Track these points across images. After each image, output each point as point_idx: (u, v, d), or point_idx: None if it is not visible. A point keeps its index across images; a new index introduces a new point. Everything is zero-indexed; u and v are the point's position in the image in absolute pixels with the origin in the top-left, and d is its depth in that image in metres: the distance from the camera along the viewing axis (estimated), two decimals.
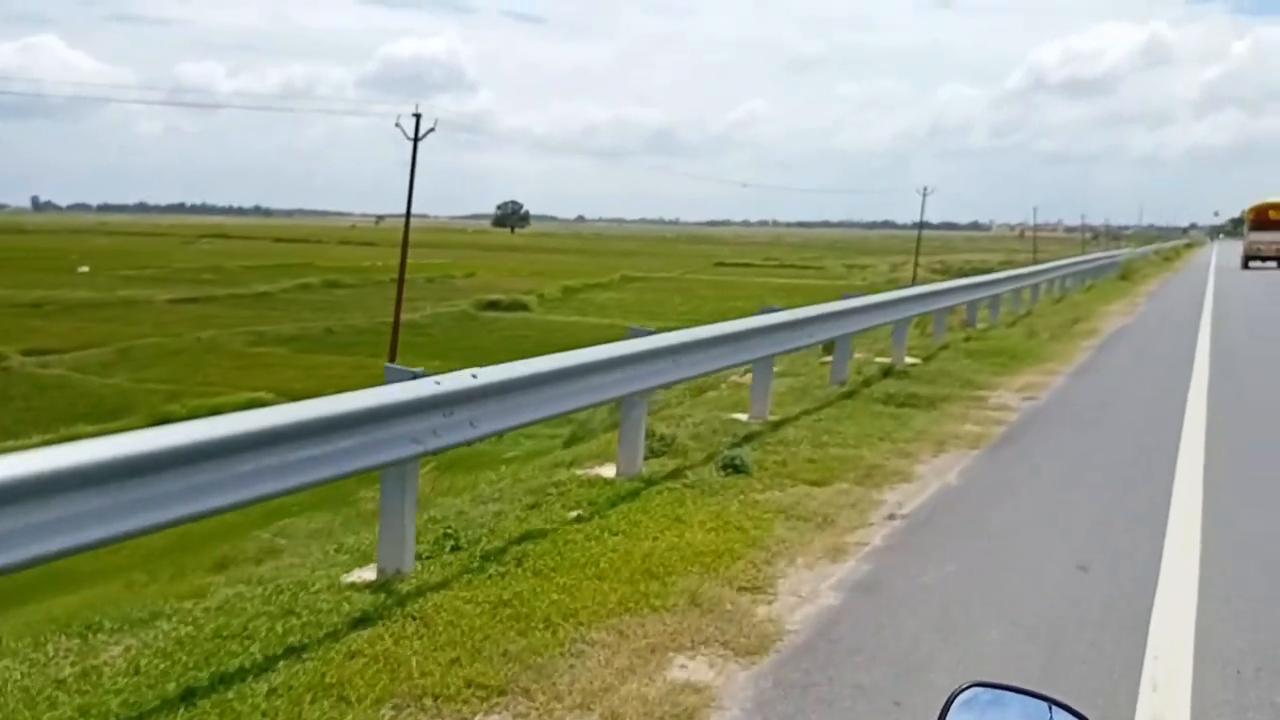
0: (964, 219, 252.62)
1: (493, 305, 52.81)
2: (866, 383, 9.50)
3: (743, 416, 7.51)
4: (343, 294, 56.75)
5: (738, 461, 5.84)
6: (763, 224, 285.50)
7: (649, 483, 5.47)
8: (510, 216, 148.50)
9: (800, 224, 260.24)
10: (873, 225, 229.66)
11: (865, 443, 6.79)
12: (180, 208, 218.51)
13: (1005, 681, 1.12)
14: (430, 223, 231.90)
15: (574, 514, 4.85)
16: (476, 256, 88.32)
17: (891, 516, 5.16)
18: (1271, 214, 40.98)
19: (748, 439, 6.71)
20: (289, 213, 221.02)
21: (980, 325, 14.95)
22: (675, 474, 5.70)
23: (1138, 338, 14.53)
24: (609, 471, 5.71)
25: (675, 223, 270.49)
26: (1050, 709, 1.07)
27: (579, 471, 5.79)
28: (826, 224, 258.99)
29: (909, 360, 11.12)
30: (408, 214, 32.07)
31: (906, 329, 11.62)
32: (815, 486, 5.63)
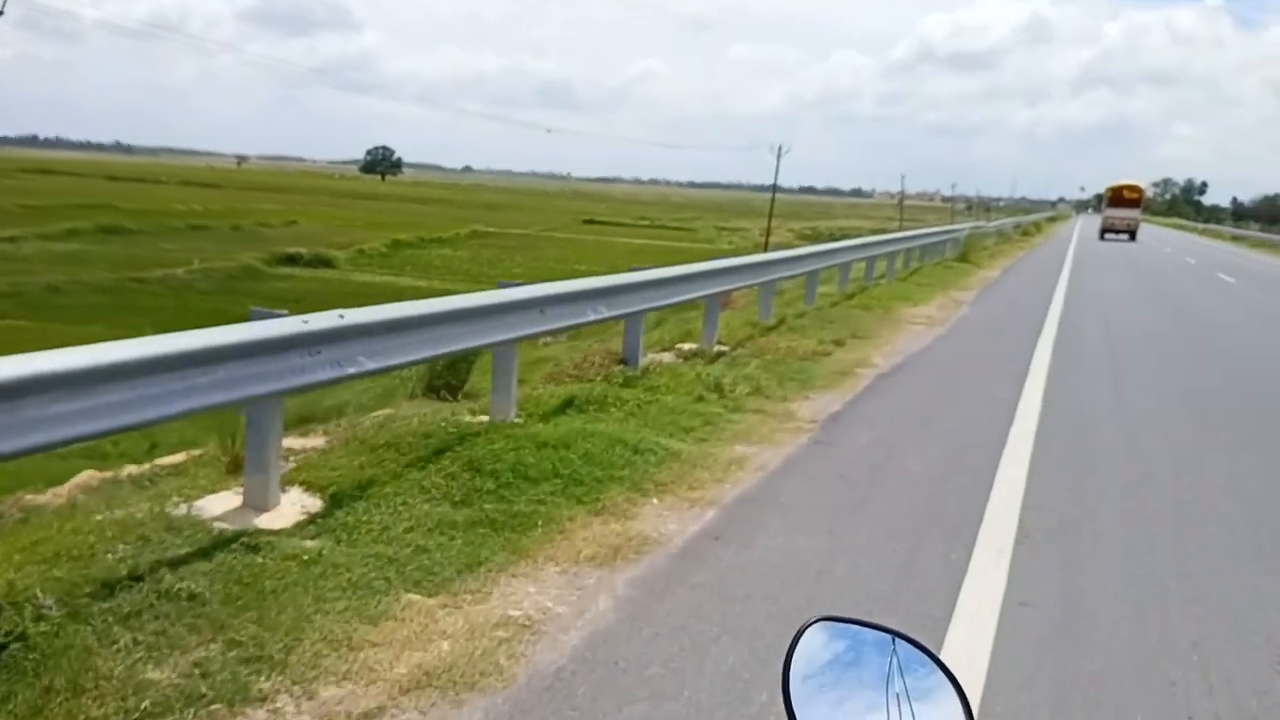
0: (847, 185, 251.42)
1: (290, 260, 46.32)
2: None
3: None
4: (114, 243, 48.35)
5: None
6: (654, 182, 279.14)
7: None
8: (380, 163, 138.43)
9: (691, 184, 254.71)
10: (760, 188, 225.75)
11: None
12: (33, 140, 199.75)
13: (852, 615, 1.07)
14: (303, 166, 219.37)
15: None
16: (320, 203, 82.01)
17: None
18: (1125, 194, 48.47)
19: None
20: (153, 151, 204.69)
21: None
22: None
23: (916, 394, 8.60)
24: None
25: (567, 177, 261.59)
26: (894, 641, 1.05)
27: None
28: (717, 185, 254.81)
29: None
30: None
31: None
32: None
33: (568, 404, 5.99)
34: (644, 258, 29.39)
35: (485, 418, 5.59)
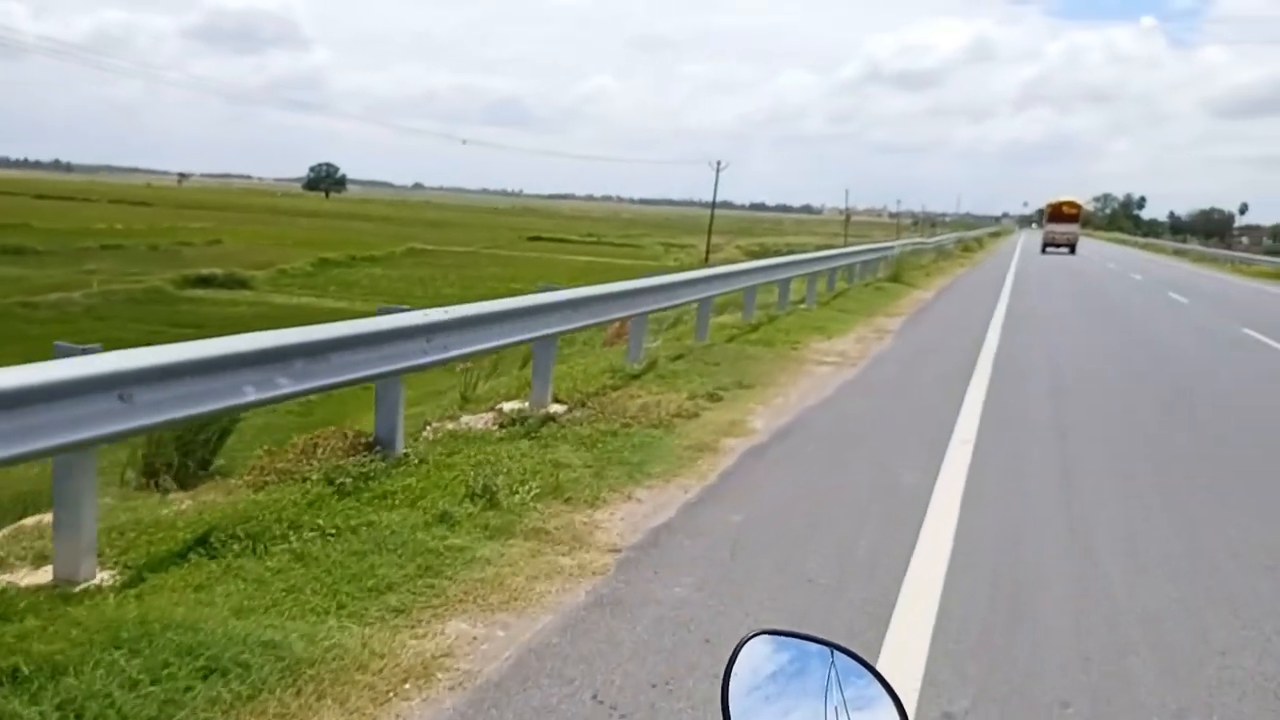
0: (798, 202, 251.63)
1: (203, 281, 43.74)
2: None
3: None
4: (17, 264, 45.37)
5: None
6: (606, 199, 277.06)
7: None
8: (324, 180, 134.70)
9: (644, 201, 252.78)
10: (710, 205, 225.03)
11: None
12: None
13: (792, 629, 1.08)
14: (249, 184, 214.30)
15: None
16: (253, 221, 79.49)
17: None
18: (1065, 209, 50.71)
19: None
20: (93, 169, 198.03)
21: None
22: None
23: (792, 484, 6.42)
24: None
25: (518, 194, 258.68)
26: (833, 654, 1.05)
27: None
28: (669, 201, 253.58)
29: None
30: None
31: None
32: None
33: (200, 541, 3.68)
34: (583, 275, 27.15)
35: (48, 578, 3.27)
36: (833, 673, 1.03)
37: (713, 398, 7.34)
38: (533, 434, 5.88)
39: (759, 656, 1.05)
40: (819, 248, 33.79)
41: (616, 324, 14.55)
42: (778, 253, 37.09)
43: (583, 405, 6.88)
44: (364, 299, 36.84)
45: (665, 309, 9.85)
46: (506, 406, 6.77)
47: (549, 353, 6.95)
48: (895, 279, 19.49)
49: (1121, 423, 7.42)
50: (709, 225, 48.62)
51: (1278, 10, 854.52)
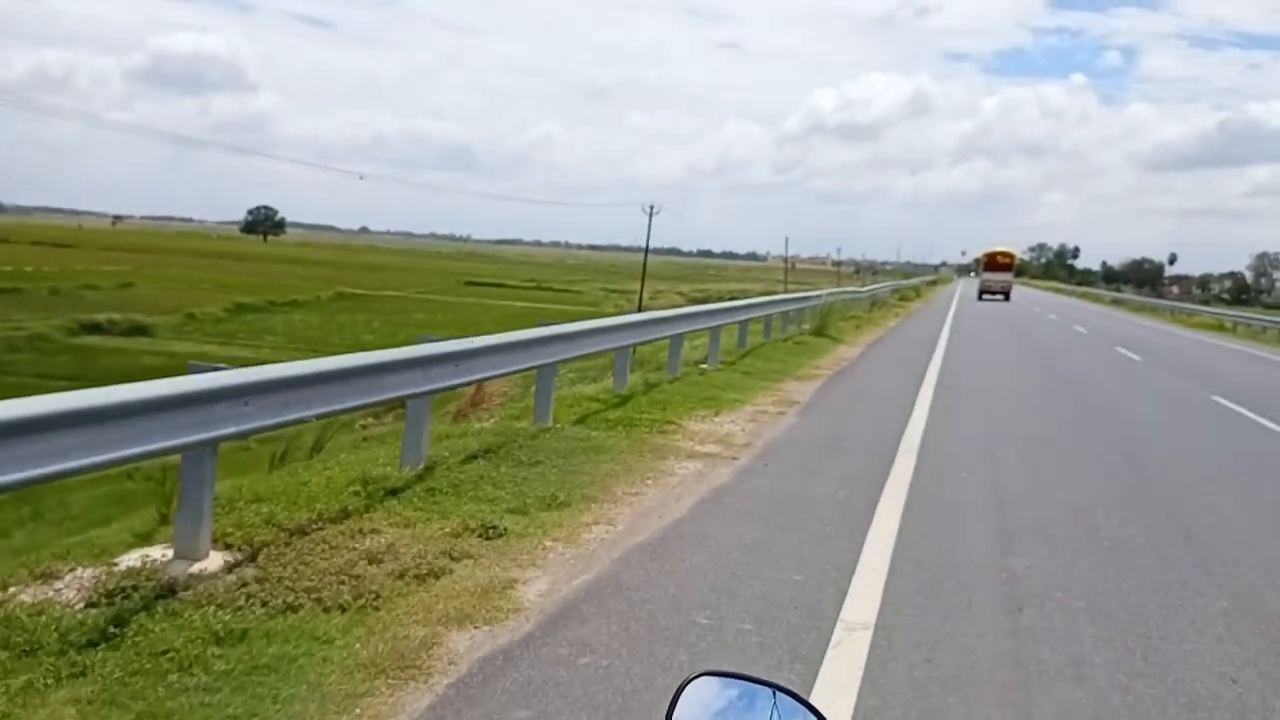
0: (743, 249, 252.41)
1: (96, 328, 40.82)
2: None
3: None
4: None
5: None
6: (555, 244, 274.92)
7: None
8: (262, 223, 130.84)
9: (591, 246, 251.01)
10: (657, 251, 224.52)
11: None
12: None
13: (734, 670, 1.08)
14: (190, 227, 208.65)
15: None
16: (178, 264, 76.42)
17: None
18: (999, 259, 53.52)
19: None
20: (27, 210, 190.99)
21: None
22: None
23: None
24: None
25: (466, 239, 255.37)
26: (774, 694, 1.05)
27: None
28: (617, 247, 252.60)
29: None
30: None
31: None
32: None
33: None
34: (510, 321, 25.61)
35: None
36: (775, 714, 1.03)
37: (489, 533, 4.72)
38: (82, 643, 3.20)
39: (701, 699, 1.03)
40: (763, 294, 31.70)
41: (473, 389, 11.94)
42: (720, 299, 34.77)
43: (265, 551, 4.22)
44: (272, 348, 34.02)
45: (482, 380, 7.26)
46: (138, 557, 4.11)
47: (201, 466, 4.23)
48: (820, 332, 17.12)
49: (1101, 583, 4.63)
50: (643, 270, 46.34)
51: (1198, 71, 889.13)
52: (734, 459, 6.87)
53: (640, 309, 43.16)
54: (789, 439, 7.81)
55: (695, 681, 1.05)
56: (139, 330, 40.43)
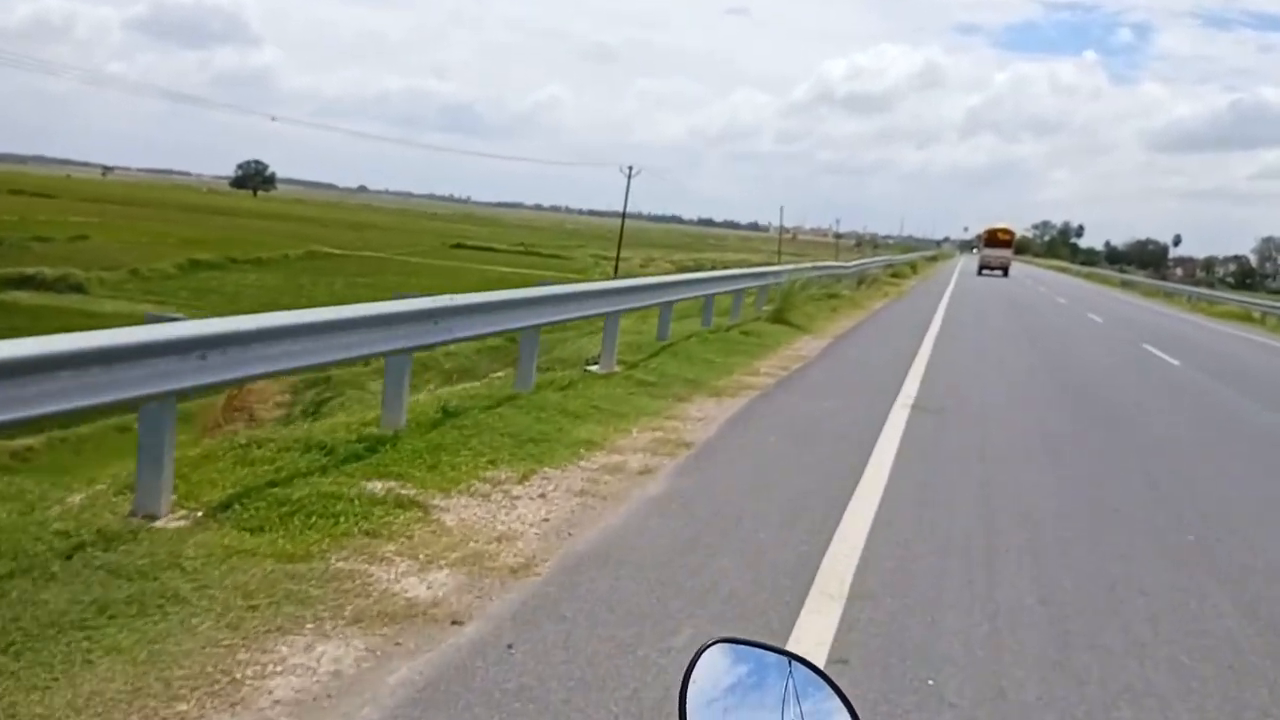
0: (745, 219, 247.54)
1: (26, 281, 38.14)
2: None
3: None
4: None
5: None
6: (555, 209, 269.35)
7: None
8: (253, 178, 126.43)
9: (591, 211, 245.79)
10: (658, 218, 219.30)
11: None
12: None
13: (749, 637, 1.04)
14: (184, 180, 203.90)
15: None
16: (153, 217, 73.57)
17: None
18: (999, 235, 53.73)
19: None
20: (22, 159, 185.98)
21: None
22: None
23: None
24: None
25: (467, 201, 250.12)
26: (790, 663, 1.02)
27: None
28: (616, 214, 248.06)
29: None
30: None
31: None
32: None
33: None
34: (491, 284, 22.19)
35: None
36: (790, 684, 1.01)
37: None
38: None
39: (717, 666, 1.02)
40: (760, 263, 28.10)
41: (223, 401, 8.31)
42: (714, 268, 30.94)
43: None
44: (213, 309, 30.55)
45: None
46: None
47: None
48: (780, 317, 13.38)
49: None
50: (619, 236, 42.68)
51: (1211, 50, 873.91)
52: (456, 623, 3.22)
53: (616, 275, 39.54)
54: (622, 549, 4.12)
55: (710, 649, 1.01)
56: (74, 287, 37.22)
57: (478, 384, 7.86)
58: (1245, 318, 29.59)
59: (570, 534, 4.23)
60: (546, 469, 5.21)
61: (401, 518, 4.16)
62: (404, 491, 4.50)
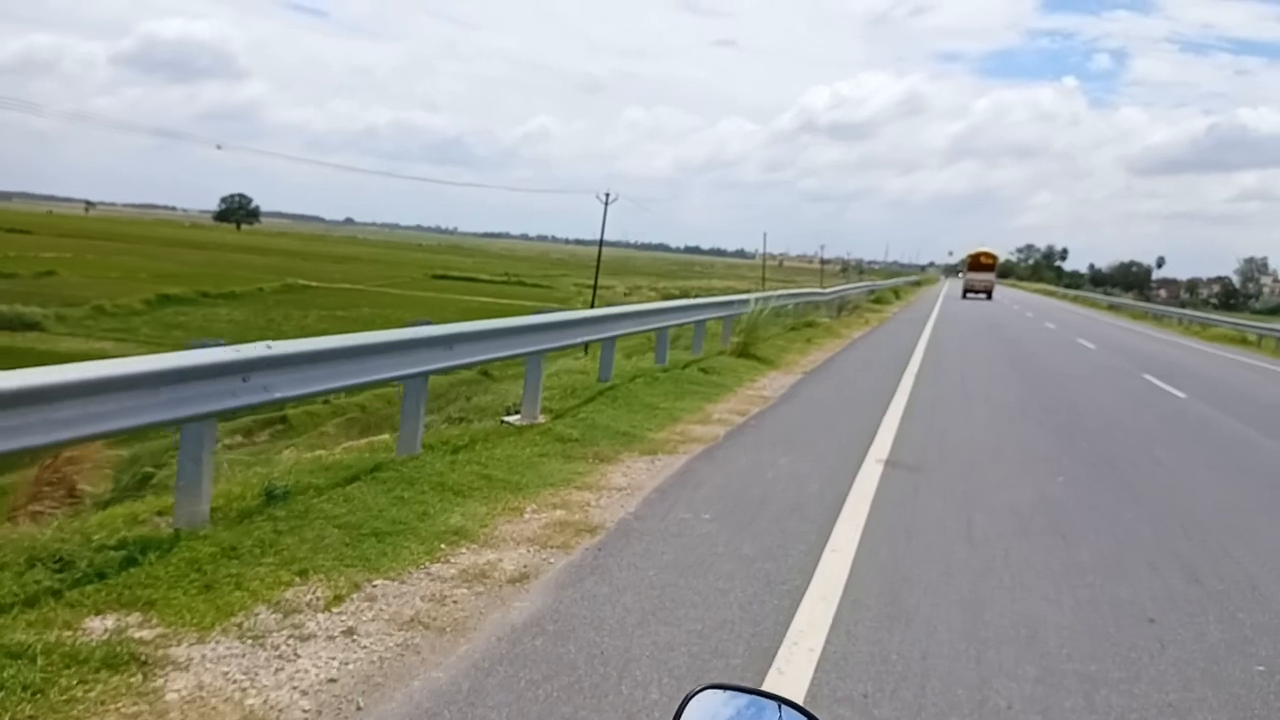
0: (731, 246, 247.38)
1: None
2: None
3: None
4: None
5: None
6: (540, 238, 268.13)
7: None
8: (235, 211, 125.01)
9: (578, 241, 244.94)
10: (645, 247, 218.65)
11: None
12: None
13: (738, 683, 1.03)
14: (168, 215, 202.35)
15: None
16: (128, 252, 72.80)
17: None
18: (983, 259, 55.07)
19: None
20: (7, 196, 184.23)
21: None
22: None
23: None
24: None
25: (453, 231, 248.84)
26: (780, 708, 1.01)
27: None
28: (604, 243, 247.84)
29: None
30: None
31: None
32: None
33: None
34: (462, 315, 22.56)
35: None
36: None
37: None
38: None
39: (706, 712, 1.00)
40: (746, 289, 26.91)
41: (34, 473, 6.86)
42: (684, 295, 29.74)
43: None
44: (172, 346, 29.24)
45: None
46: None
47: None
48: (744, 352, 12.00)
49: None
50: (597, 263, 41.41)
51: (1188, 75, 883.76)
52: None
53: (593, 305, 38.17)
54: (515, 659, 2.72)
55: (700, 695, 1.00)
56: (29, 325, 35.85)
57: (359, 444, 6.44)
58: (1240, 340, 28.37)
59: (359, 708, 2.81)
60: (378, 581, 3.80)
61: (99, 689, 2.74)
62: (138, 634, 3.09)
